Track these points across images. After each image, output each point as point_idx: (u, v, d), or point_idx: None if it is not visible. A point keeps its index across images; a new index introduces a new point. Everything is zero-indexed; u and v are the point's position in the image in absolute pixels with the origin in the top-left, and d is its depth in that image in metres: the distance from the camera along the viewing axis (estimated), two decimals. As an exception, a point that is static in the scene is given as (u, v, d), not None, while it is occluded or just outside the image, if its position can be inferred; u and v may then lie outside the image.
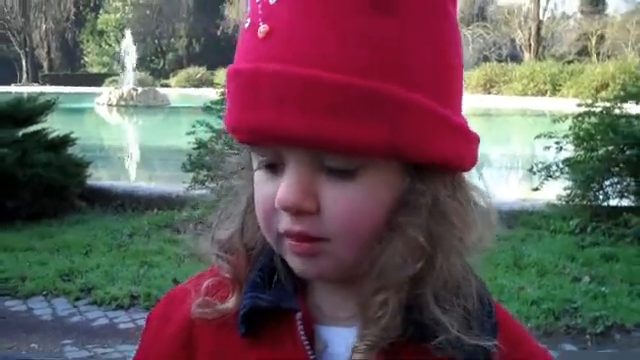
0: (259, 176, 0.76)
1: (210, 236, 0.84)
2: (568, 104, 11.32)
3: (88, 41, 58.71)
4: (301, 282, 0.79)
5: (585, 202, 6.82)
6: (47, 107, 7.96)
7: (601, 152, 6.87)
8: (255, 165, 0.76)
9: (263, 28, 0.70)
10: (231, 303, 0.81)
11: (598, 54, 41.90)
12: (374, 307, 0.73)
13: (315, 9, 0.68)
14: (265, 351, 0.79)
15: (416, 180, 0.72)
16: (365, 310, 0.74)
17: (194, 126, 7.10)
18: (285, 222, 0.72)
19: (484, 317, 0.76)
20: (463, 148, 0.75)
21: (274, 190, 0.72)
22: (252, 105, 0.70)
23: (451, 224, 0.74)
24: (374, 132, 0.68)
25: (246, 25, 0.73)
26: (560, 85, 30.81)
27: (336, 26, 0.67)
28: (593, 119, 7.06)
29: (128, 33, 33.41)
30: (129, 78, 30.51)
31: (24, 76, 52.63)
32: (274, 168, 0.73)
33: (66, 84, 42.21)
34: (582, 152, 7.04)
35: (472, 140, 0.76)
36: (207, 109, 7.49)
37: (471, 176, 0.78)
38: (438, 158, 0.72)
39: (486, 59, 42.97)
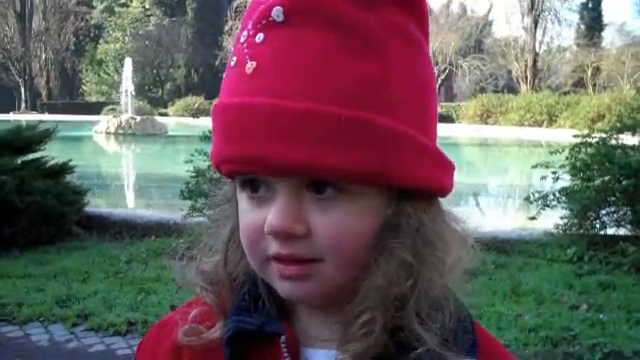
0: (244, 204, 0.77)
1: (195, 267, 0.86)
2: (564, 135, 11.39)
3: (87, 70, 59.16)
4: (286, 306, 0.81)
5: (582, 231, 6.84)
6: (46, 135, 7.97)
7: (597, 182, 6.91)
8: (238, 188, 0.78)
9: (251, 65, 0.72)
10: (217, 332, 0.82)
11: (594, 86, 42.18)
12: (357, 325, 0.74)
13: (302, 49, 0.70)
14: None
15: (402, 204, 0.75)
16: (348, 328, 0.75)
17: (192, 155, 7.12)
18: (274, 246, 0.74)
19: (463, 334, 0.78)
20: (442, 174, 0.78)
21: (260, 217, 0.74)
22: (241, 137, 0.71)
23: (433, 245, 0.76)
24: (364, 161, 0.70)
25: (232, 63, 0.75)
26: (556, 116, 31.02)
27: (323, 63, 0.70)
28: (589, 150, 7.13)
29: (127, 62, 33.44)
30: (127, 107, 30.61)
31: (23, 104, 52.78)
32: (259, 196, 0.75)
33: (65, 112, 42.34)
34: (579, 182, 7.09)
35: (449, 167, 0.80)
36: (205, 138, 7.52)
37: (449, 202, 0.82)
38: (422, 184, 0.75)
39: (483, 90, 43.27)
